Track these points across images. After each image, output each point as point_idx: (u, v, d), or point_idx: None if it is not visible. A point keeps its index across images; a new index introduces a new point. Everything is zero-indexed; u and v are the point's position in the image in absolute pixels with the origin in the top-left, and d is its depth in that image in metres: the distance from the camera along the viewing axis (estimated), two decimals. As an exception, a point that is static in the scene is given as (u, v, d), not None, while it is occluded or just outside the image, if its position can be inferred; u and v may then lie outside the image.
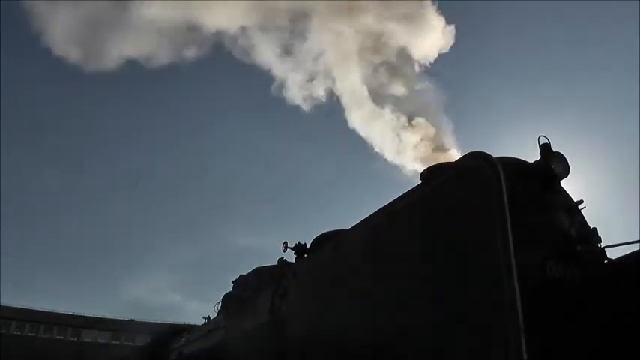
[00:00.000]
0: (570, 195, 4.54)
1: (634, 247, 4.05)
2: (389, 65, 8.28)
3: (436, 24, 8.24)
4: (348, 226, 5.17)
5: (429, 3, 8.34)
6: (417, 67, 8.22)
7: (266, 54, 9.56)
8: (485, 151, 3.67)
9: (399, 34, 8.26)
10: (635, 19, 27.76)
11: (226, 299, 8.24)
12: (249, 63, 9.80)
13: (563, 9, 40.57)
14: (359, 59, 8.48)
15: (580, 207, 4.52)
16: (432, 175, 4.62)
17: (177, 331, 10.55)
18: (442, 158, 6.45)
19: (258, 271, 7.62)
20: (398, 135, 7.53)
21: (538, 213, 4.06)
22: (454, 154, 6.75)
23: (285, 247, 6.32)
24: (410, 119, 7.57)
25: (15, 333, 34.37)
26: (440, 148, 7.09)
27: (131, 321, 35.09)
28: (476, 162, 3.55)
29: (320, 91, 9.20)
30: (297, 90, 9.26)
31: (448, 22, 8.39)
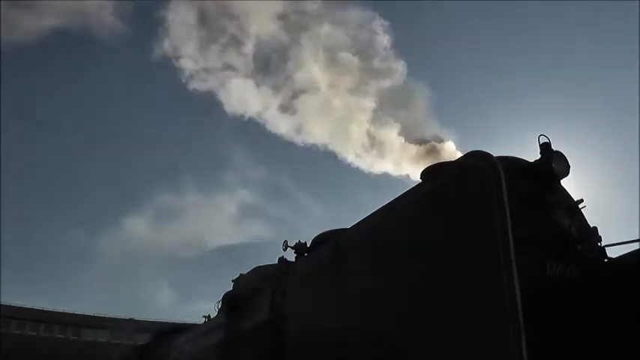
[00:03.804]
0: (570, 194, 4.54)
1: (634, 247, 4.06)
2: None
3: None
4: (349, 226, 5.17)
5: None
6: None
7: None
8: (485, 150, 3.68)
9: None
10: (635, 18, 27.72)
11: (226, 298, 8.24)
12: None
13: (562, 7, 40.55)
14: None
15: (580, 206, 4.52)
16: (433, 174, 4.62)
17: (178, 330, 10.55)
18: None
19: (259, 271, 7.62)
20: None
21: (538, 212, 4.06)
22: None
23: (286, 246, 6.33)
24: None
25: (15, 332, 34.39)
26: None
27: (131, 320, 35.11)
28: (476, 161, 3.55)
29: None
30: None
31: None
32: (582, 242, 4.13)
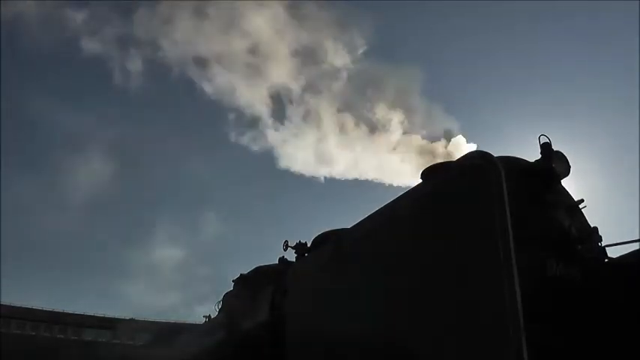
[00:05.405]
0: (571, 194, 4.54)
1: (634, 247, 4.07)
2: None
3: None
4: (349, 226, 5.17)
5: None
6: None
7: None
8: (485, 150, 3.68)
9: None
10: (635, 17, 27.75)
11: (227, 298, 8.24)
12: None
13: (563, 8, 40.54)
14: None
15: (581, 206, 4.52)
16: (433, 174, 4.63)
17: (178, 330, 10.56)
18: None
19: (259, 271, 7.62)
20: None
21: (539, 212, 4.07)
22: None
23: (286, 246, 6.33)
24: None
25: (15, 332, 34.40)
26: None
27: (131, 320, 35.09)
28: (476, 161, 3.55)
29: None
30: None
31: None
32: (582, 242, 4.13)
